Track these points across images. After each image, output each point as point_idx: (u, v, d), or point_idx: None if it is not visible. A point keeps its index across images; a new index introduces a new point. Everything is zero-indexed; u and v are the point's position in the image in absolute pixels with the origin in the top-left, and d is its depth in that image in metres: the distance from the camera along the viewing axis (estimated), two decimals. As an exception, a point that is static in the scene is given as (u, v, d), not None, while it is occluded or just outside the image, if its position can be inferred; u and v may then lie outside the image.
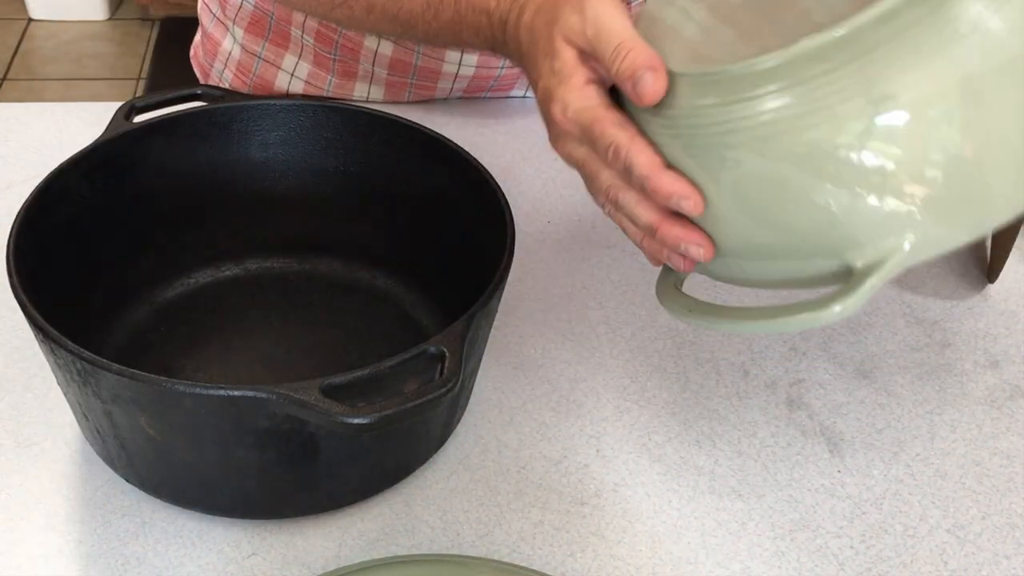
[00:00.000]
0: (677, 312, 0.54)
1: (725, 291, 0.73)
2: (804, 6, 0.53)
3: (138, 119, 0.68)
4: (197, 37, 1.02)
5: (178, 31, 2.40)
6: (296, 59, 0.93)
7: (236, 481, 0.57)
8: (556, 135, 0.56)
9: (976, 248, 0.81)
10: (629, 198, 0.53)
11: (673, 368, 0.71)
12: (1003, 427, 0.68)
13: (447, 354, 0.53)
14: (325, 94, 0.94)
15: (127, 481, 0.61)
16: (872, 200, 0.45)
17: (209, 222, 0.72)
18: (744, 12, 0.54)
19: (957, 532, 0.62)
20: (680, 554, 0.60)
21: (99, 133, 0.67)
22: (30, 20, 2.83)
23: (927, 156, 0.45)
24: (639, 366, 0.71)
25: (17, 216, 0.60)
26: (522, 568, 0.56)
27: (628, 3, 0.83)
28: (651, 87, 0.49)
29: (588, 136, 0.53)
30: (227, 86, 0.97)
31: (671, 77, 0.49)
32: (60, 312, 0.55)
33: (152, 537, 0.59)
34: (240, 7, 0.92)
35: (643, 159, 0.50)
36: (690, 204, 0.50)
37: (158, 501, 0.60)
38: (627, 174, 0.52)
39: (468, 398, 0.66)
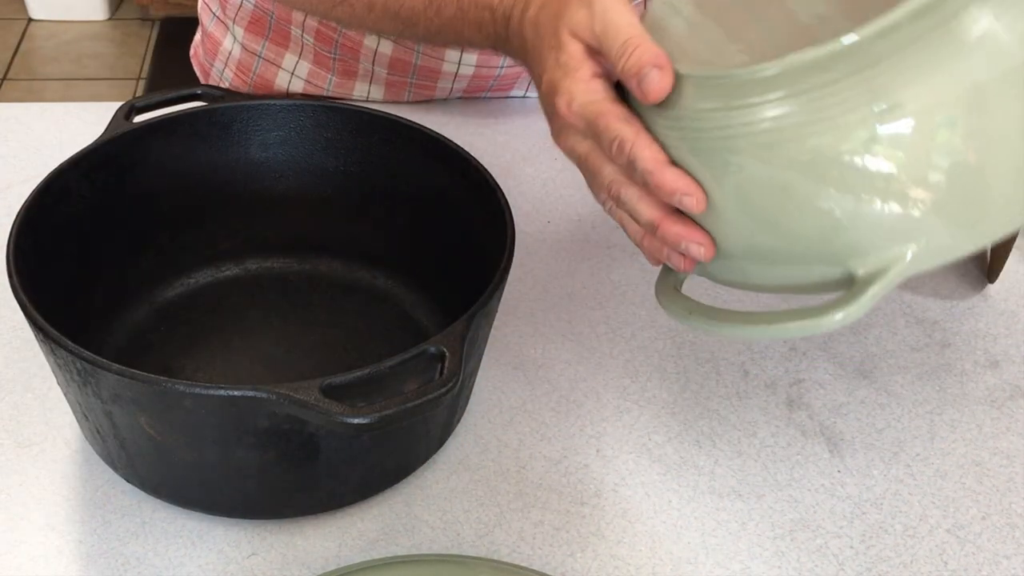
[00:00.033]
0: (676, 314, 0.54)
1: (725, 293, 0.73)
2: (790, 7, 0.52)
3: (138, 119, 0.68)
4: (197, 37, 1.02)
5: (178, 31, 2.40)
6: (296, 58, 0.93)
7: (236, 481, 0.57)
8: (559, 129, 0.56)
9: (976, 248, 0.81)
10: (631, 194, 0.53)
11: (673, 368, 0.71)
12: (1003, 427, 0.68)
13: (447, 354, 0.52)
14: (325, 93, 0.94)
15: (127, 481, 0.61)
16: (876, 208, 0.45)
17: (209, 222, 0.72)
18: (730, 10, 0.54)
19: (957, 532, 0.62)
20: (680, 554, 0.60)
21: (99, 133, 0.67)
22: (30, 20, 2.83)
23: (932, 164, 0.44)
24: (639, 366, 0.71)
25: (17, 216, 0.60)
26: (522, 568, 0.56)
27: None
28: (656, 84, 0.49)
29: (593, 129, 0.53)
30: (227, 85, 0.97)
31: (676, 77, 0.49)
32: (60, 312, 0.55)
33: (152, 537, 0.59)
34: (240, 6, 0.93)
35: (647, 154, 0.50)
36: (692, 201, 0.50)
37: (158, 501, 0.60)
38: (630, 169, 0.52)
39: (468, 398, 0.66)
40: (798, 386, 0.70)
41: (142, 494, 0.61)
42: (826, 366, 0.72)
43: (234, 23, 0.94)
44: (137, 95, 0.78)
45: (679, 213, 0.52)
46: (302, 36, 0.91)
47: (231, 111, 0.70)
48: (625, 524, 0.61)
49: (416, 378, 0.52)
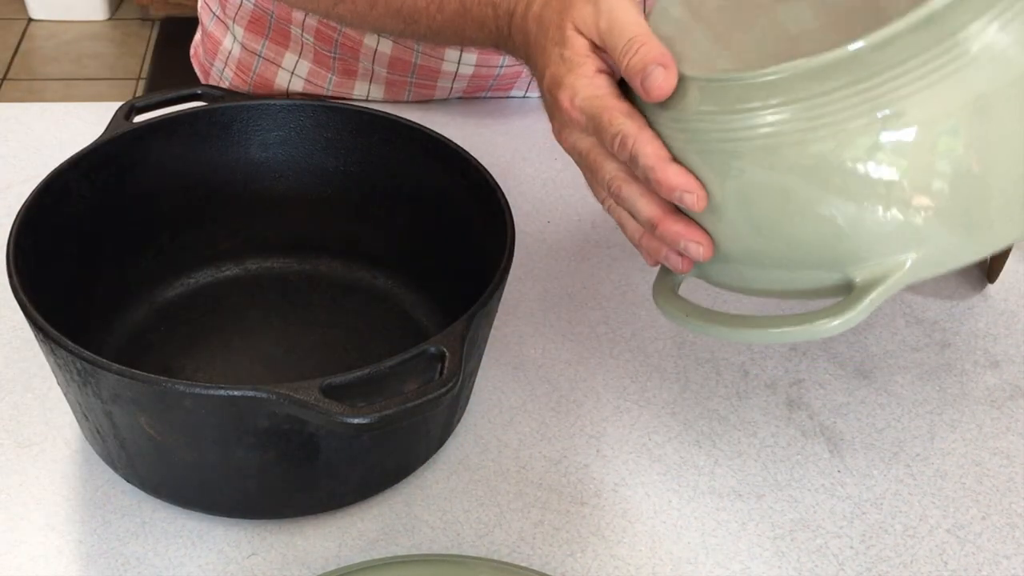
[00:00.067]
0: (673, 316, 0.54)
1: (722, 295, 0.73)
2: (779, 18, 0.52)
3: (138, 119, 0.68)
4: (197, 36, 1.02)
5: (178, 31, 2.40)
6: (296, 57, 0.93)
7: (236, 481, 0.57)
8: (561, 124, 0.56)
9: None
10: (632, 191, 0.53)
11: (673, 368, 0.71)
12: (1003, 427, 0.68)
13: (447, 354, 0.53)
14: (325, 92, 0.94)
15: (127, 481, 0.61)
16: (877, 214, 0.45)
17: (209, 222, 0.72)
18: (720, 17, 0.54)
19: (957, 532, 0.62)
20: (680, 554, 0.60)
21: (99, 133, 0.67)
22: (30, 20, 2.83)
23: (934, 172, 0.44)
24: (639, 366, 0.71)
25: (17, 216, 0.60)
26: (522, 568, 0.56)
27: None
28: (660, 83, 0.49)
29: (595, 125, 0.53)
30: (227, 85, 0.97)
31: (680, 78, 0.49)
32: (60, 312, 0.55)
33: (152, 537, 0.59)
34: (240, 6, 0.93)
35: (649, 150, 0.50)
36: (693, 199, 0.50)
37: (158, 501, 0.60)
38: (632, 165, 0.52)
39: (468, 398, 0.66)
40: (798, 386, 0.70)
41: (142, 494, 0.61)
42: (826, 366, 0.72)
43: (234, 23, 0.94)
44: (137, 95, 0.78)
45: (679, 212, 0.52)
46: (302, 35, 0.91)
47: (231, 111, 0.70)
48: (625, 524, 0.61)
49: (416, 378, 0.52)
